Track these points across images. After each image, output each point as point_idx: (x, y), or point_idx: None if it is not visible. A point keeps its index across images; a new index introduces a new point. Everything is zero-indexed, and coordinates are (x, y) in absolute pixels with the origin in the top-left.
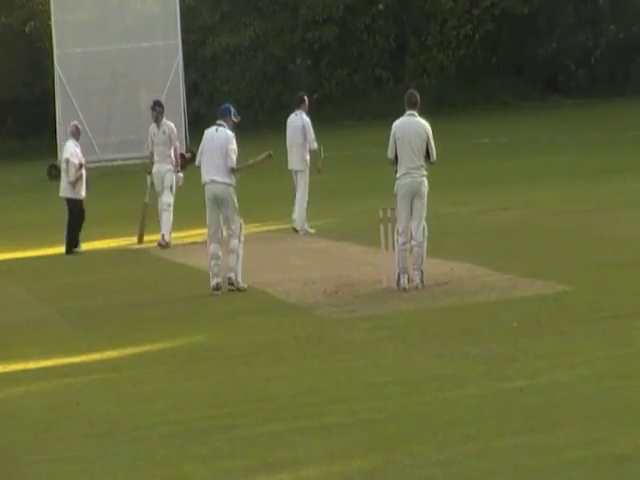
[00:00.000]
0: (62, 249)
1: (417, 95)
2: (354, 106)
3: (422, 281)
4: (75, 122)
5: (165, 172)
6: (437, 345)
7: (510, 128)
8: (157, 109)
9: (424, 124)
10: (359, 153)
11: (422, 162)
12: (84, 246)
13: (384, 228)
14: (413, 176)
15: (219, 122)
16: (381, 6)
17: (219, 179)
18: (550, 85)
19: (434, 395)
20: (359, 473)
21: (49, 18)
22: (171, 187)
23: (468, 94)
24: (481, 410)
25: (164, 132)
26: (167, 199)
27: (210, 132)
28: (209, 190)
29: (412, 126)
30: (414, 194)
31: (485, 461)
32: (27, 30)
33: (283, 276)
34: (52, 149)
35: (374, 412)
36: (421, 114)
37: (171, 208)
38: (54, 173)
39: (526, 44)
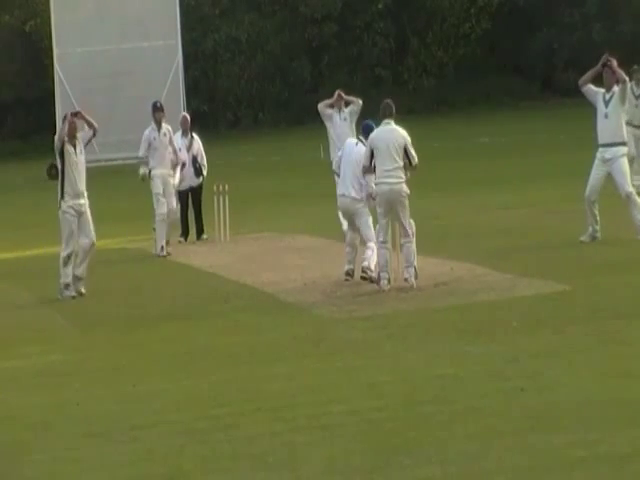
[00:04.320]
0: (61, 248)
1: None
2: None
3: (415, 277)
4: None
5: (167, 177)
6: (437, 345)
7: (509, 128)
8: (163, 110)
9: (400, 130)
10: None
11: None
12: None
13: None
14: (390, 183)
15: (361, 138)
16: (380, 5)
17: (347, 193)
18: (548, 84)
19: (434, 394)
20: (359, 473)
21: (49, 17)
22: (173, 193)
23: (467, 93)
24: (481, 409)
25: (165, 134)
26: (172, 206)
27: (350, 145)
28: (340, 203)
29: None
30: (393, 202)
31: (485, 461)
32: (27, 29)
33: (283, 276)
34: (52, 149)
35: (374, 412)
36: (420, 114)
37: (178, 215)
38: (54, 173)
39: (524, 43)
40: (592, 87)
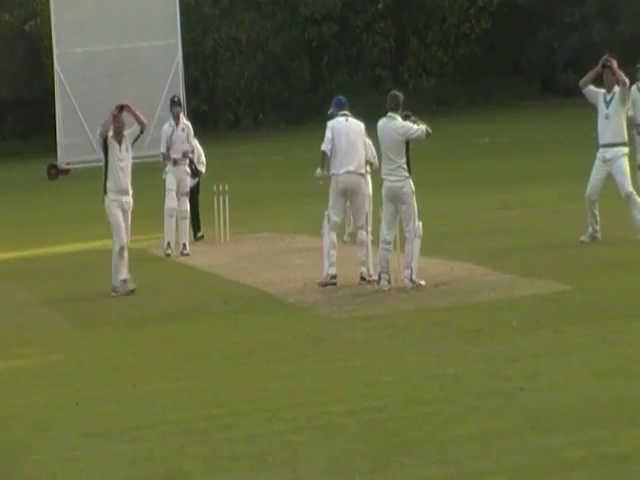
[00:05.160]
0: (61, 248)
1: (395, 95)
2: (354, 106)
3: (412, 280)
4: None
5: (182, 175)
6: (437, 345)
7: (509, 128)
8: (181, 105)
9: (398, 124)
10: None
11: (401, 162)
12: (83, 246)
13: None
14: (391, 181)
15: (344, 113)
16: (380, 5)
17: (352, 169)
18: (548, 85)
19: (434, 394)
20: (359, 473)
21: (49, 17)
22: (187, 193)
23: (467, 93)
24: (481, 410)
25: (183, 130)
26: (186, 206)
27: (339, 122)
28: (341, 181)
29: (388, 127)
30: (396, 201)
31: (485, 461)
32: (27, 29)
33: (283, 276)
34: (52, 149)
35: (374, 412)
36: (420, 114)
37: (188, 215)
38: (54, 173)
39: (524, 43)
40: (593, 88)
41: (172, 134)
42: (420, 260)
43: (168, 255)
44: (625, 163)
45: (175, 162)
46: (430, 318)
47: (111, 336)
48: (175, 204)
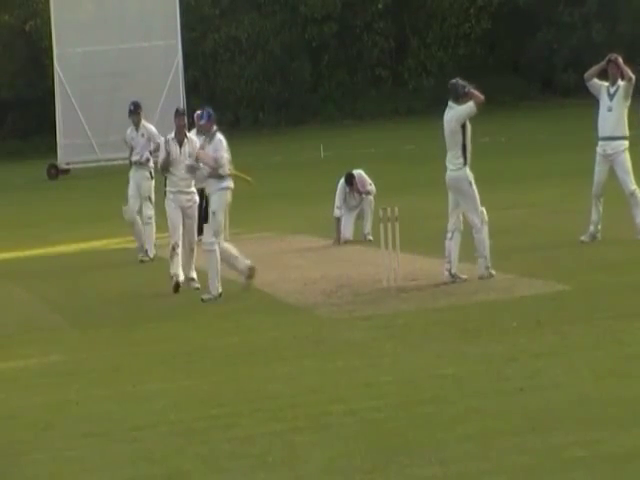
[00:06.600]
0: (61, 248)
1: (453, 84)
2: (354, 105)
3: (487, 268)
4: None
5: (141, 180)
6: (437, 345)
7: (509, 128)
8: (138, 112)
9: (454, 111)
10: (358, 152)
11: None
12: (83, 246)
13: (384, 228)
14: (450, 169)
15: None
16: (380, 5)
17: None
18: (548, 85)
19: (434, 394)
20: (359, 473)
21: (49, 17)
22: (149, 197)
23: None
24: (481, 410)
25: (143, 135)
26: (149, 211)
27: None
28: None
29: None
30: (454, 190)
31: (485, 461)
32: (27, 29)
33: (283, 276)
34: (52, 149)
35: (374, 412)
36: (420, 114)
37: (152, 220)
38: (54, 173)
39: (524, 43)
40: (597, 81)
41: (132, 139)
42: (420, 260)
43: (141, 261)
44: (627, 159)
45: (135, 164)
46: (430, 318)
47: (111, 336)
48: (135, 209)
